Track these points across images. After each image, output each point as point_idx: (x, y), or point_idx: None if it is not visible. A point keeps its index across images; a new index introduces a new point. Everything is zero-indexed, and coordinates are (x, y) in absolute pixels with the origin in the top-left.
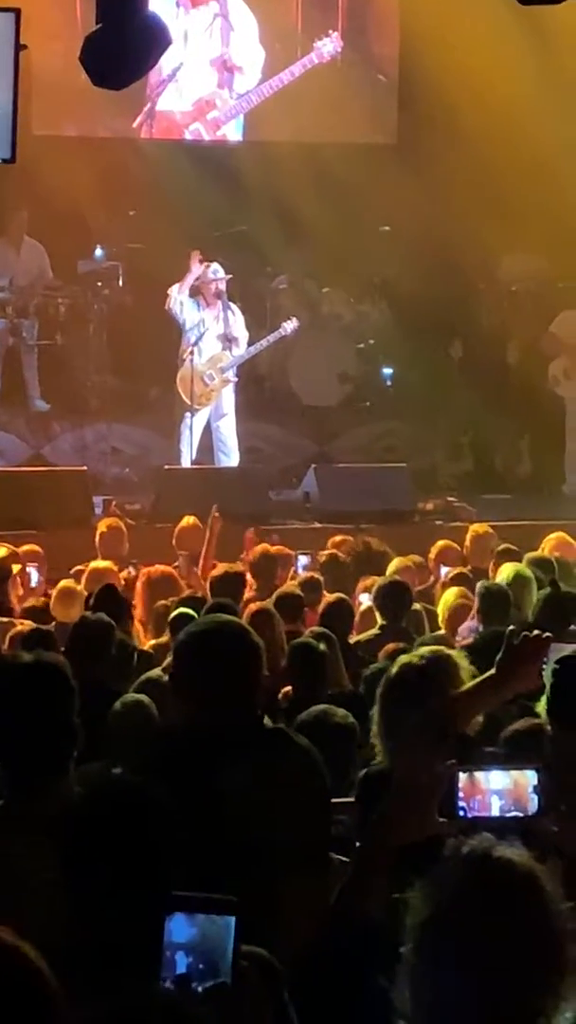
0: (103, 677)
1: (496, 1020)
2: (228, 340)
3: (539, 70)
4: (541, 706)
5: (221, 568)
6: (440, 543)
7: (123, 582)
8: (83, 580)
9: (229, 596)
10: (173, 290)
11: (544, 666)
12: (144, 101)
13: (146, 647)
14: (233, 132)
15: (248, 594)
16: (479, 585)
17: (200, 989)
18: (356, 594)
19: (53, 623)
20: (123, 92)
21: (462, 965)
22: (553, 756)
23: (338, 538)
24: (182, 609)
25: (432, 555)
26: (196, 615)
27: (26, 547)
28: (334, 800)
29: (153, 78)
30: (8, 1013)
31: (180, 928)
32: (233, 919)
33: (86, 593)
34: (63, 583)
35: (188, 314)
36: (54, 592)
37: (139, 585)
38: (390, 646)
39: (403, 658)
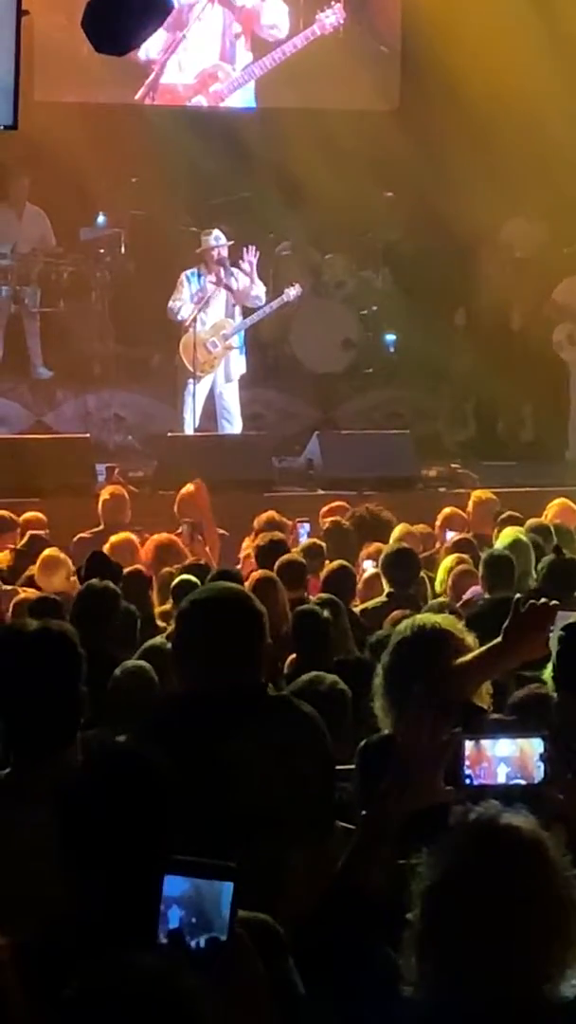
0: (107, 645)
1: (502, 986)
2: (235, 300)
3: (540, 36)
4: (547, 673)
5: (266, 537)
6: (446, 510)
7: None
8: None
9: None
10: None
11: (550, 634)
12: (147, 72)
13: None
14: (239, 99)
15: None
16: (484, 553)
17: (193, 944)
18: (359, 561)
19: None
20: (126, 61)
21: (468, 930)
22: (559, 723)
23: (333, 505)
24: (184, 576)
25: (438, 521)
26: (199, 582)
27: (28, 514)
28: (338, 767)
29: (155, 49)
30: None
31: (175, 884)
32: (231, 884)
33: (70, 561)
34: (47, 551)
35: (191, 288)
36: (38, 561)
37: (146, 552)
38: (395, 613)
39: (406, 623)
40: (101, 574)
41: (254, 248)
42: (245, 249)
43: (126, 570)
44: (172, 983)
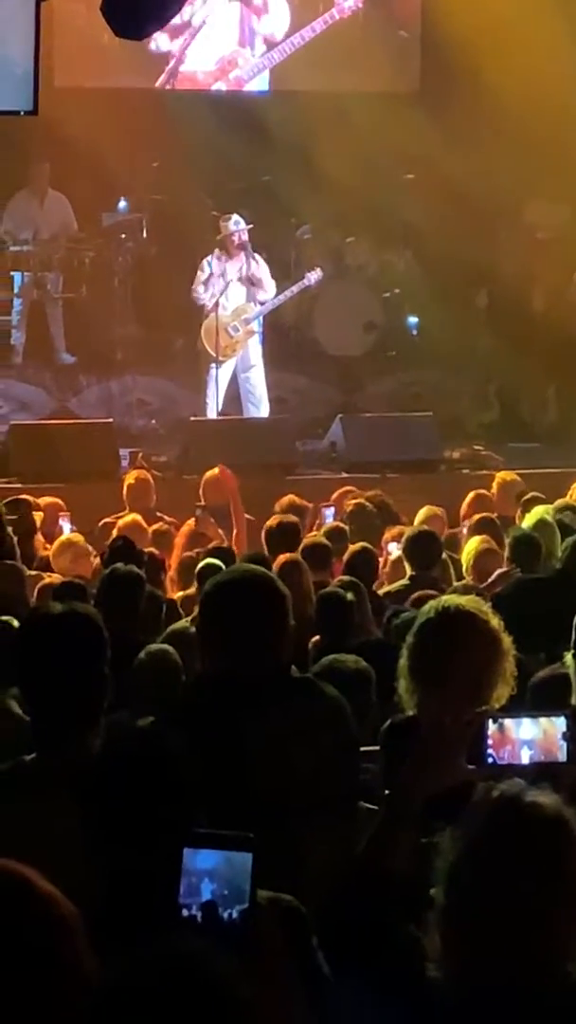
0: (132, 629)
1: (526, 962)
2: (253, 286)
3: (560, 17)
4: (569, 658)
5: (275, 519)
6: (473, 493)
7: (151, 535)
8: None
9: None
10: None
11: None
12: (167, 58)
13: (175, 598)
14: (255, 84)
15: None
16: (509, 534)
17: (225, 915)
18: (383, 544)
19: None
20: (146, 47)
21: (491, 907)
22: None
23: (343, 489)
24: (209, 560)
25: (466, 504)
26: (223, 566)
27: (46, 499)
28: (361, 748)
29: (176, 34)
30: (19, 939)
31: (204, 857)
32: (250, 856)
33: (89, 547)
34: (64, 536)
35: (211, 271)
36: (53, 546)
37: (179, 539)
38: (417, 594)
39: (430, 604)
40: (125, 559)
41: (262, 258)
42: (254, 260)
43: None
44: (210, 966)
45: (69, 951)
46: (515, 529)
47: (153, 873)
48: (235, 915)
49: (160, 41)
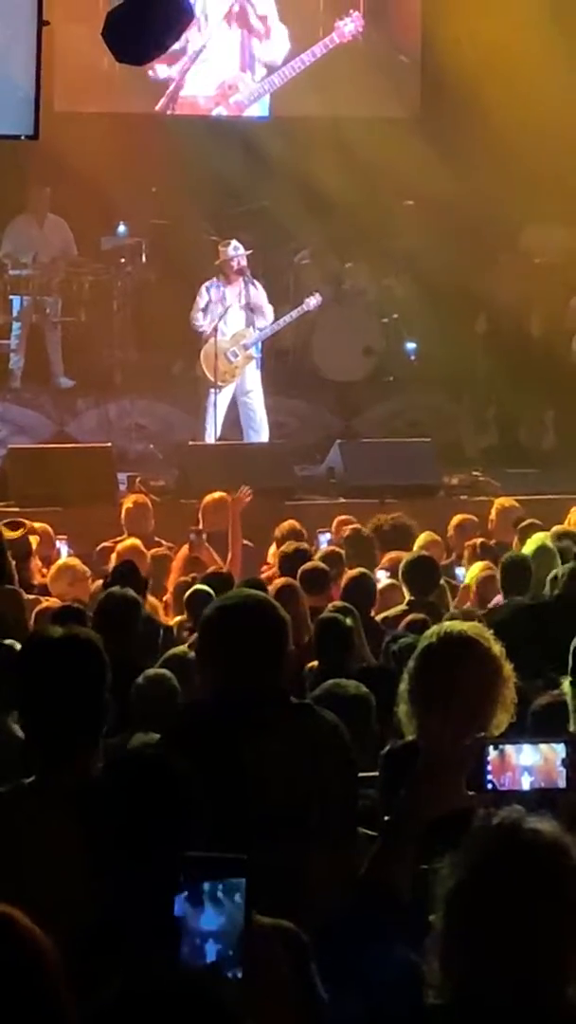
0: (129, 653)
1: (525, 989)
2: (252, 311)
3: (560, 44)
4: (567, 685)
5: (292, 546)
6: (457, 516)
7: (150, 560)
8: (113, 559)
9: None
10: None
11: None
12: (167, 83)
13: (171, 623)
14: (256, 109)
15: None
16: (503, 558)
17: (230, 975)
18: (375, 571)
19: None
20: (146, 71)
21: (491, 934)
22: None
23: (341, 518)
24: (198, 587)
25: (451, 530)
26: (212, 592)
27: (39, 524)
28: (360, 774)
29: (175, 60)
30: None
31: (208, 917)
32: (244, 881)
33: (87, 570)
34: (62, 560)
35: (210, 297)
36: (51, 570)
37: (176, 563)
38: (412, 616)
39: (433, 630)
40: (129, 583)
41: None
42: (252, 286)
43: None
44: (209, 991)
45: (48, 991)
46: (508, 553)
47: (154, 894)
48: (239, 976)
49: (160, 67)
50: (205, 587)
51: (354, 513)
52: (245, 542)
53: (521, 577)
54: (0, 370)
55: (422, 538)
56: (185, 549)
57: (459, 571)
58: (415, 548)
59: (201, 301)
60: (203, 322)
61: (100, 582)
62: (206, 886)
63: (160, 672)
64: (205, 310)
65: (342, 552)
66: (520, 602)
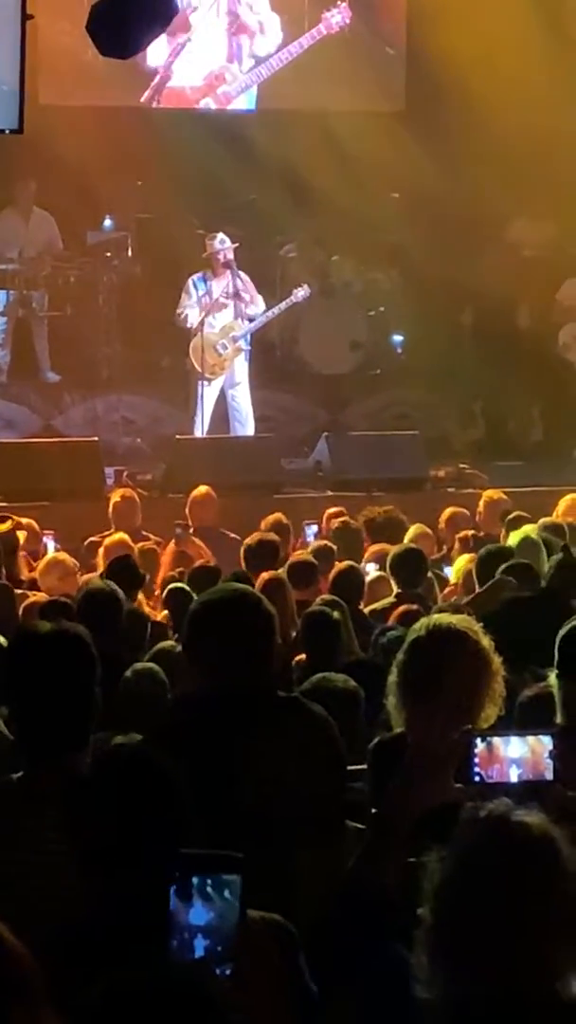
0: (114, 648)
1: (513, 982)
2: (240, 303)
3: (546, 37)
4: (553, 678)
5: (255, 537)
6: (448, 510)
7: (137, 554)
8: (101, 553)
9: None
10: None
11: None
12: (152, 74)
13: (159, 618)
14: (243, 102)
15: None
16: (480, 551)
17: (219, 972)
18: (363, 564)
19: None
20: (131, 64)
21: (479, 927)
22: (566, 718)
23: (332, 510)
24: (175, 584)
25: (442, 523)
26: (189, 590)
27: (25, 519)
28: (349, 767)
29: (161, 51)
30: None
31: (196, 912)
32: (239, 878)
33: (77, 565)
34: (51, 555)
35: (196, 292)
36: (40, 564)
37: (164, 558)
38: (401, 608)
39: (421, 622)
40: (124, 577)
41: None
42: (239, 279)
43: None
44: (198, 986)
45: (28, 1010)
46: (488, 546)
47: (143, 891)
48: (228, 972)
49: (146, 58)
50: (182, 584)
51: (342, 506)
52: (232, 535)
53: (497, 569)
54: None
55: (412, 531)
56: (173, 544)
57: (448, 570)
58: (405, 541)
59: (187, 296)
60: (191, 316)
61: (88, 576)
62: (195, 881)
63: (148, 666)
64: (192, 303)
65: (333, 548)
66: (509, 595)
